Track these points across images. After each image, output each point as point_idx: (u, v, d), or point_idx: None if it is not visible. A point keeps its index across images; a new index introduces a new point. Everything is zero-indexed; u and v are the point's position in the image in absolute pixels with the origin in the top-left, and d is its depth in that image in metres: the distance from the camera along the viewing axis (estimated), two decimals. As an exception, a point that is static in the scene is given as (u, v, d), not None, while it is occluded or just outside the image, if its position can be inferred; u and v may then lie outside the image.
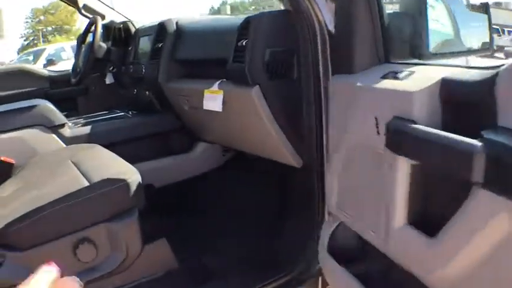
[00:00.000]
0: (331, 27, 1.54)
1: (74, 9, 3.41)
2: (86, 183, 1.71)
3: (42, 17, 36.00)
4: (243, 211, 2.40)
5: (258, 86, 1.79)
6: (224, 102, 1.97)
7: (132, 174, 1.74)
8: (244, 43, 1.81)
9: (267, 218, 2.31)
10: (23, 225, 1.55)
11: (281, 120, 1.85)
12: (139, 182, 1.73)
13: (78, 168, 1.88)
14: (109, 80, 3.05)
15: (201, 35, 2.31)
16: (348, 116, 1.35)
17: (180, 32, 2.43)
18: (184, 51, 2.37)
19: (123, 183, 1.68)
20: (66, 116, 2.49)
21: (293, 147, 1.88)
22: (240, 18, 2.11)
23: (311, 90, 1.69)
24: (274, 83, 1.81)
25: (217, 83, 2.00)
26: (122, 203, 1.69)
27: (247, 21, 1.83)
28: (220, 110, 1.96)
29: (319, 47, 1.60)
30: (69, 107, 3.38)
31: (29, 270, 0.51)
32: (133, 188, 1.69)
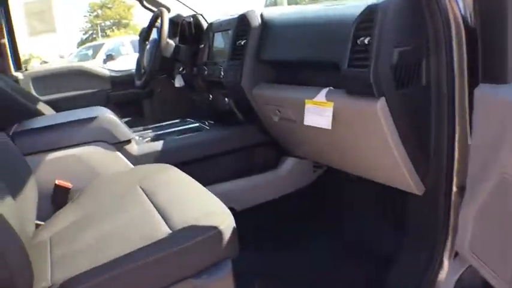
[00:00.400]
0: (471, 22, 1.28)
1: (131, 3, 3.08)
2: (164, 226, 1.34)
3: (99, 11, 36.48)
4: (338, 239, 2.08)
5: (383, 97, 1.38)
6: (332, 117, 1.56)
7: (224, 217, 1.35)
8: (366, 41, 1.38)
9: (368, 250, 1.97)
10: (90, 285, 1.20)
11: (406, 139, 1.46)
12: (234, 227, 1.34)
13: (151, 200, 1.53)
14: (178, 82, 2.68)
15: (296, 30, 1.88)
16: (499, 139, 1.06)
17: (267, 26, 2.02)
18: (273, 50, 1.96)
19: (214, 232, 1.28)
20: (131, 123, 2.30)
21: (416, 171, 1.51)
22: (344, 6, 1.73)
23: (443, 101, 1.38)
24: (400, 93, 1.41)
25: (324, 91, 1.58)
26: (213, 255, 1.31)
27: (370, 11, 1.39)
28: (329, 127, 1.55)
29: (454, 46, 1.31)
30: (133, 111, 3.16)
31: None
32: (227, 236, 1.30)
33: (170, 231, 1.30)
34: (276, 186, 2.27)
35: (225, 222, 1.32)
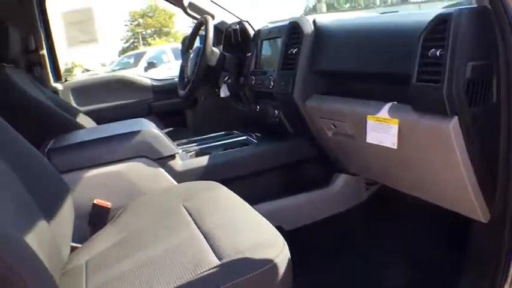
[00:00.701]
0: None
1: (172, 11, 3.02)
2: (212, 256, 1.19)
3: (140, 20, 36.95)
4: (394, 262, 1.90)
5: (456, 116, 1.23)
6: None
7: (279, 248, 1.20)
8: (438, 53, 1.22)
9: (424, 272, 1.81)
10: None
11: (475, 162, 1.31)
12: (289, 259, 1.20)
13: (196, 222, 1.40)
14: (224, 92, 2.56)
15: (353, 39, 1.73)
16: None
17: (320, 34, 1.87)
18: (327, 59, 1.81)
19: (269, 266, 1.14)
20: (173, 133, 2.22)
21: (483, 197, 1.36)
22: (403, 14, 1.62)
23: None
24: (472, 111, 1.25)
25: (387, 107, 1.43)
26: None
27: (442, 21, 1.24)
28: (395, 146, 1.40)
29: None
30: (176, 121, 3.09)
31: None
32: (282, 269, 1.16)
33: (219, 263, 1.16)
34: (327, 204, 2.13)
35: (281, 254, 1.18)
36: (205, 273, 1.13)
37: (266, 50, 2.30)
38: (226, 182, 1.71)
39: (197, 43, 2.81)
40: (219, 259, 1.17)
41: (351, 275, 1.88)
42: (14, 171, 1.36)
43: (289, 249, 1.21)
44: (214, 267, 1.14)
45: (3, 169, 1.33)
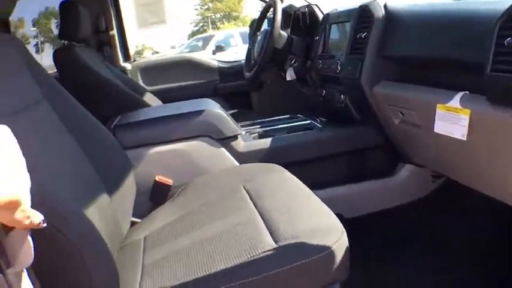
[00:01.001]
0: None
1: None
2: (269, 239, 1.18)
3: (210, 4, 37.20)
4: (462, 259, 1.82)
5: None
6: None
7: (338, 235, 1.16)
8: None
9: (489, 275, 1.73)
10: None
11: None
12: (347, 247, 1.16)
13: (255, 204, 1.39)
14: (290, 76, 2.54)
15: (425, 25, 1.66)
16: None
17: (391, 18, 1.80)
18: (397, 45, 1.74)
19: (327, 252, 1.11)
20: (238, 115, 2.23)
21: None
22: (478, 1, 1.51)
23: None
24: None
25: (458, 96, 1.36)
26: (323, 278, 1.13)
27: None
28: (464, 137, 1.34)
29: None
30: (240, 103, 3.10)
31: None
32: (339, 257, 1.13)
33: (276, 246, 1.14)
34: (390, 194, 2.08)
35: (339, 241, 1.14)
36: (261, 255, 1.12)
37: (334, 33, 2.25)
38: (287, 166, 1.69)
39: (265, 26, 2.81)
40: (276, 242, 1.15)
41: (410, 268, 1.82)
42: (81, 146, 1.40)
43: (348, 238, 1.18)
44: (271, 250, 1.13)
45: (71, 144, 1.39)
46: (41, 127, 1.34)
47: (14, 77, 1.34)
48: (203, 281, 1.08)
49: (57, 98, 1.47)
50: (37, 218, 0.59)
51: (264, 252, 1.12)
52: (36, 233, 0.70)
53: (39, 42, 5.35)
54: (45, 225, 0.62)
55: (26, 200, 0.55)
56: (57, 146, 1.36)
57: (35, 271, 0.98)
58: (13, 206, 0.52)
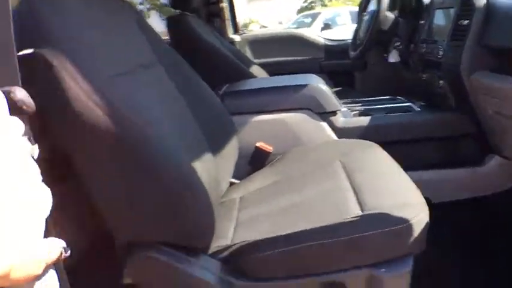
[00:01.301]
0: None
1: None
2: (356, 208, 1.26)
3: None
4: None
5: None
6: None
7: (420, 210, 1.22)
8: None
9: None
10: (267, 254, 1.18)
11: None
12: (427, 223, 1.21)
13: (348, 177, 1.46)
14: (393, 57, 2.58)
15: None
16: None
17: (492, 8, 1.81)
18: (498, 35, 1.76)
19: (407, 225, 1.17)
20: (340, 93, 2.23)
21: None
22: None
23: None
24: None
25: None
26: (398, 249, 1.20)
27: None
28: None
29: None
30: (344, 82, 3.15)
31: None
32: (417, 230, 1.18)
33: (361, 214, 1.21)
34: (478, 184, 2.07)
35: (420, 215, 1.20)
36: (344, 220, 1.19)
37: (438, 19, 2.27)
38: (383, 145, 1.72)
39: (373, 6, 2.83)
40: (361, 211, 1.23)
41: (488, 258, 1.82)
42: (191, 108, 1.52)
43: (431, 221, 1.21)
44: (355, 217, 1.20)
45: (182, 104, 1.51)
46: (156, 87, 1.45)
47: (131, 39, 1.46)
48: (288, 237, 1.18)
49: (171, 63, 1.58)
50: (56, 251, 0.63)
51: (348, 218, 1.20)
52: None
53: (146, 9, 5.56)
54: (68, 254, 0.66)
55: (20, 263, 0.54)
56: (170, 105, 1.47)
57: (143, 212, 1.16)
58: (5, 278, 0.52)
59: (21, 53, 1.04)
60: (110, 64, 1.25)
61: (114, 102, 1.11)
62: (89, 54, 1.16)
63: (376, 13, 2.53)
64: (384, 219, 1.18)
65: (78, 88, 1.07)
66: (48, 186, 0.64)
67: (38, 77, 1.07)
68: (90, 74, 1.09)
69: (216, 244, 1.26)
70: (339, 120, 2.06)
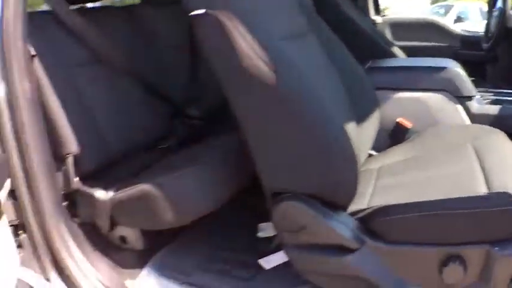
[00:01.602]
0: None
1: None
2: (484, 187, 1.33)
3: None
4: None
5: None
6: None
7: None
8: None
9: None
10: (400, 217, 1.28)
11: None
12: None
13: (479, 159, 1.52)
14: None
15: None
16: None
17: None
18: None
19: None
20: (473, 82, 2.19)
21: None
22: None
23: None
24: None
25: None
26: None
27: None
28: None
29: None
30: (476, 73, 3.12)
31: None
32: None
33: (487, 192, 1.28)
34: None
35: None
36: (473, 196, 1.27)
37: None
38: (509, 134, 1.74)
39: (500, 4, 2.88)
40: (488, 190, 1.30)
41: None
42: (341, 78, 1.64)
43: None
44: (480, 193, 1.29)
45: (333, 74, 1.63)
46: (310, 54, 1.52)
47: (284, 5, 1.54)
48: (420, 205, 1.27)
49: (322, 33, 1.67)
50: None
51: (473, 194, 1.29)
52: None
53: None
54: None
55: None
56: (324, 73, 1.56)
57: (295, 161, 1.28)
58: None
59: (194, 12, 1.21)
60: (273, 29, 1.36)
61: (282, 62, 1.23)
62: (253, 18, 1.27)
63: (503, 11, 2.62)
64: (507, 199, 1.22)
65: (248, 48, 1.19)
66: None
67: (210, 34, 1.24)
68: (259, 36, 1.22)
69: (354, 205, 1.36)
70: (473, 106, 2.06)
